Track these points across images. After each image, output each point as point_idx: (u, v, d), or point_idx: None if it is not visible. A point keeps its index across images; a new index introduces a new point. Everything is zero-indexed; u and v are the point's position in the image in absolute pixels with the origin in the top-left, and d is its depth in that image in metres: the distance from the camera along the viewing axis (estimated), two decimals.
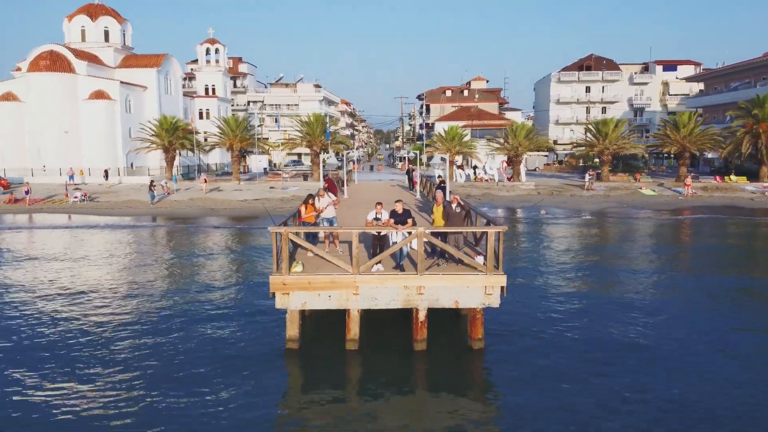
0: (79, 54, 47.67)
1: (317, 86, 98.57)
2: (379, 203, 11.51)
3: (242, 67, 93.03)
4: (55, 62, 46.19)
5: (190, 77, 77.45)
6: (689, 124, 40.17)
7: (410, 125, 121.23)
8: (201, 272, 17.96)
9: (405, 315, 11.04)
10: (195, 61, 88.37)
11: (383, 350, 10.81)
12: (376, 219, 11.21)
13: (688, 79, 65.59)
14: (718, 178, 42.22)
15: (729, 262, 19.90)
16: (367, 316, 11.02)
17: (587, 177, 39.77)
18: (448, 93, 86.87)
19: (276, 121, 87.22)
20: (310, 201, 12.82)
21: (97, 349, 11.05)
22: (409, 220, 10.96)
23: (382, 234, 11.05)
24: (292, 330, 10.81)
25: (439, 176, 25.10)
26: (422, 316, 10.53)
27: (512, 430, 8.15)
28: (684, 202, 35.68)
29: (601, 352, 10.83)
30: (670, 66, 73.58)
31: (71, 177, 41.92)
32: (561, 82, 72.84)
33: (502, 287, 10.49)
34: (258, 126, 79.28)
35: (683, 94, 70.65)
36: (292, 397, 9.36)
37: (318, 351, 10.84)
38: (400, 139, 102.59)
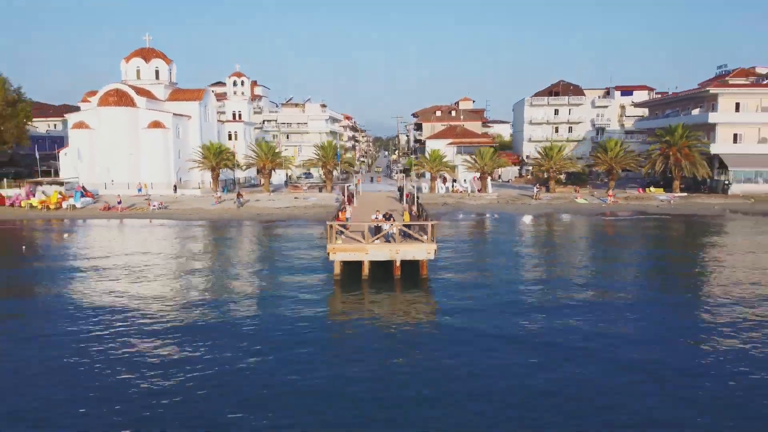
0: (139, 91, 60.02)
1: (323, 106, 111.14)
2: (377, 210, 23.82)
3: (258, 90, 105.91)
4: (120, 98, 58.53)
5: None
6: (615, 148, 52.67)
7: (406, 137, 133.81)
8: (286, 247, 30.40)
9: (389, 264, 23.26)
10: (216, 84, 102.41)
11: (379, 279, 23.01)
12: (376, 218, 23.52)
13: (636, 105, 78.28)
14: (640, 189, 54.60)
15: (605, 245, 32.25)
16: (372, 264, 23.22)
17: (535, 189, 52.23)
18: (438, 113, 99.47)
19: (288, 138, 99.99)
20: (342, 209, 25.14)
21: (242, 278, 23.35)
22: (392, 219, 23.27)
23: (378, 225, 23.35)
24: (337, 270, 23.01)
25: (407, 192, 37.22)
26: (398, 263, 22.74)
27: (441, 310, 20.37)
28: (605, 208, 47.97)
29: (481, 276, 23.12)
30: (626, 91, 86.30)
31: (139, 189, 54.20)
32: (533, 105, 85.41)
33: (435, 249, 22.75)
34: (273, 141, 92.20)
35: (638, 116, 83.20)
36: (337, 296, 21.53)
37: (349, 280, 23.02)
38: (396, 153, 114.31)
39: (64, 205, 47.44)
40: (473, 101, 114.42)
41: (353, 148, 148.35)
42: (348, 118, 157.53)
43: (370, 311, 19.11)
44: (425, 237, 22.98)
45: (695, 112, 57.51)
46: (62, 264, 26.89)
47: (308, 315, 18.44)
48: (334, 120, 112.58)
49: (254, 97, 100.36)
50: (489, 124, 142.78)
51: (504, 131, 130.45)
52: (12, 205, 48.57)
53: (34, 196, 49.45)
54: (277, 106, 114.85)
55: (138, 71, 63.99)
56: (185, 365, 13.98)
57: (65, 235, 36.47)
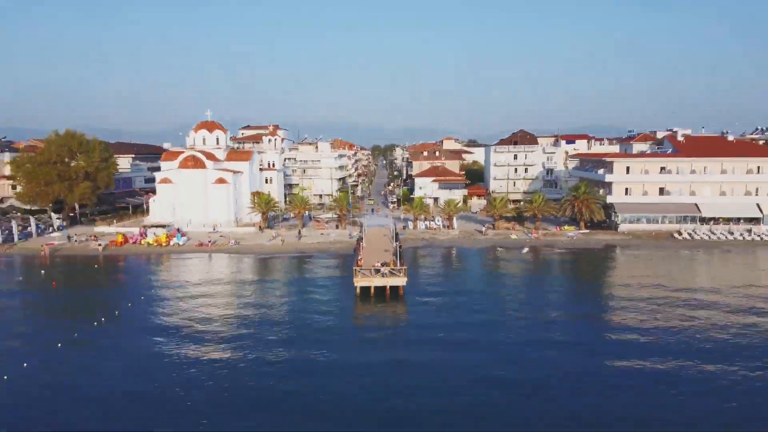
0: (207, 155, 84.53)
1: (332, 144, 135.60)
2: (377, 262, 48.40)
3: (279, 133, 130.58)
4: (195, 162, 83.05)
5: (241, 141, 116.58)
6: (539, 200, 77.31)
7: (402, 170, 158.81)
8: (325, 272, 54.85)
9: (384, 287, 47.67)
10: (246, 127, 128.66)
11: (378, 295, 47.45)
12: (377, 263, 48.19)
13: (571, 157, 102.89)
14: (558, 228, 79.13)
15: (518, 268, 56.87)
16: (375, 288, 47.64)
17: (484, 227, 76.84)
18: (425, 153, 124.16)
19: (304, 172, 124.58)
20: (357, 249, 49.80)
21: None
22: (385, 264, 47.88)
23: (378, 268, 47.98)
24: (357, 290, 47.50)
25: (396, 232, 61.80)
26: (388, 288, 47.31)
27: (408, 311, 44.91)
28: (529, 243, 72.39)
29: (449, 300, 47.66)
30: (570, 140, 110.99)
31: (214, 228, 78.67)
32: (497, 152, 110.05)
33: (406, 281, 47.25)
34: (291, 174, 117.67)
35: (575, 161, 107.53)
36: (358, 303, 45.95)
37: (363, 295, 47.40)
38: (392, 184, 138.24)
39: (171, 242, 71.85)
40: (455, 139, 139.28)
41: (355, 167, 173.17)
42: (351, 146, 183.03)
43: (374, 310, 43.60)
44: (401, 274, 47.50)
45: (600, 171, 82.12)
46: (188, 279, 51.40)
47: (342, 313, 42.93)
48: (341, 156, 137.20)
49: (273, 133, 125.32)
50: (470, 150, 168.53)
51: (480, 154, 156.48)
52: (134, 243, 72.91)
53: (146, 236, 73.87)
54: (293, 142, 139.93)
55: (204, 139, 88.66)
56: (270, 335, 38.43)
57: (189, 263, 60.98)
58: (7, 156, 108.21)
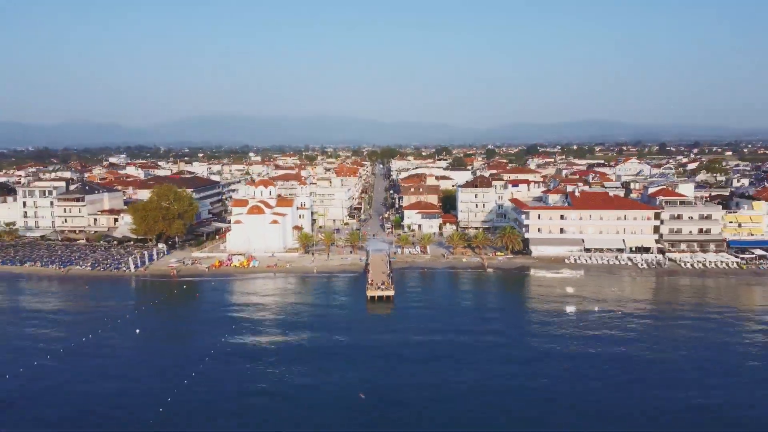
0: (265, 204, 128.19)
1: (341, 165, 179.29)
2: (379, 281, 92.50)
3: (303, 173, 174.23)
4: (258, 210, 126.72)
5: (280, 179, 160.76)
6: (480, 236, 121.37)
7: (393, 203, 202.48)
8: (347, 285, 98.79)
9: (382, 296, 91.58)
10: (277, 158, 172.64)
11: (381, 300, 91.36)
12: (380, 281, 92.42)
13: (510, 201, 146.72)
14: (493, 253, 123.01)
15: (464, 284, 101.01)
16: (379, 296, 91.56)
17: (446, 252, 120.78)
18: (412, 189, 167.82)
19: (321, 201, 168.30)
20: (367, 271, 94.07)
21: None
22: (384, 283, 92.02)
23: (379, 286, 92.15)
24: (368, 297, 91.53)
25: (388, 256, 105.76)
26: (385, 296, 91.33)
27: (395, 308, 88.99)
28: (480, 264, 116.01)
29: (419, 301, 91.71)
30: (515, 185, 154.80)
31: (272, 254, 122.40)
32: (463, 192, 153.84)
33: (393, 291, 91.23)
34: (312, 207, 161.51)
35: (533, 198, 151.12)
36: (369, 305, 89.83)
37: (372, 300, 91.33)
38: (388, 212, 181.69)
39: (250, 265, 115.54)
40: (435, 177, 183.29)
41: (359, 190, 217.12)
42: (355, 172, 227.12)
43: (377, 308, 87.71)
44: (392, 288, 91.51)
45: (522, 217, 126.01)
46: (267, 286, 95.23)
47: (359, 310, 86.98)
48: (348, 189, 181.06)
49: (304, 183, 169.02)
50: (451, 176, 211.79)
51: (462, 176, 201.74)
52: (225, 265, 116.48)
53: (232, 261, 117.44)
54: (312, 177, 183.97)
55: (261, 192, 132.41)
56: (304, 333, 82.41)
57: (265, 279, 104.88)
58: (106, 196, 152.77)
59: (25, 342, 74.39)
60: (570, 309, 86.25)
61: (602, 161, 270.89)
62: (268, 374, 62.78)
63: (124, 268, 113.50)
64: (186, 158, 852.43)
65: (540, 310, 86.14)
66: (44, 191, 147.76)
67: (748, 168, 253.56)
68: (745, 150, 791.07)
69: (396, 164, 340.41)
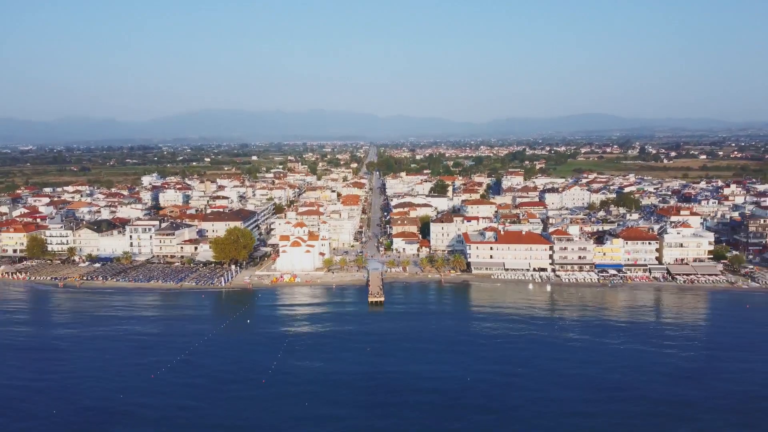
0: (301, 240, 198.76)
1: (350, 211, 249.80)
2: (375, 292, 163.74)
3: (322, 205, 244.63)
4: (297, 244, 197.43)
5: (303, 213, 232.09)
6: (440, 259, 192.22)
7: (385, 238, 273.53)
8: (356, 293, 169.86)
9: (376, 301, 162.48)
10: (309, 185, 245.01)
11: (377, 304, 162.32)
12: (376, 293, 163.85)
13: (463, 235, 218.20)
14: (449, 271, 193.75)
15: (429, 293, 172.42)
16: (377, 301, 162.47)
17: (418, 271, 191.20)
18: (399, 221, 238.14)
19: (335, 230, 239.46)
20: (367, 281, 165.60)
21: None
22: (379, 291, 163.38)
23: (375, 295, 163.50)
24: (369, 302, 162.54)
25: (381, 274, 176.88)
26: (380, 302, 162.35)
27: (386, 312, 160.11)
28: (438, 280, 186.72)
29: (400, 303, 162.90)
30: (469, 220, 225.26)
31: (306, 273, 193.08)
32: (434, 224, 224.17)
33: (384, 299, 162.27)
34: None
35: (478, 231, 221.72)
36: (370, 306, 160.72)
37: (371, 303, 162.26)
38: (382, 237, 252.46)
39: (295, 280, 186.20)
40: (416, 207, 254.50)
41: (360, 212, 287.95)
42: (356, 201, 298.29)
43: (374, 308, 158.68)
44: (383, 296, 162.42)
45: (467, 246, 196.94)
46: (305, 293, 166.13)
47: (363, 309, 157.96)
48: (353, 219, 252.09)
49: (324, 222, 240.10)
50: (430, 204, 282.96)
51: (440, 202, 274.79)
52: (280, 280, 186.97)
53: (283, 278, 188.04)
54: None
55: (297, 231, 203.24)
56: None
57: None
58: (187, 230, 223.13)
59: (200, 325, 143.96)
60: (491, 305, 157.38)
61: (556, 186, 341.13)
62: (306, 345, 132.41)
63: (217, 283, 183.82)
64: (194, 162, 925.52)
65: (476, 307, 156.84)
66: (145, 228, 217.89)
67: (669, 193, 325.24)
68: (720, 153, 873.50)
69: (390, 183, 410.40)
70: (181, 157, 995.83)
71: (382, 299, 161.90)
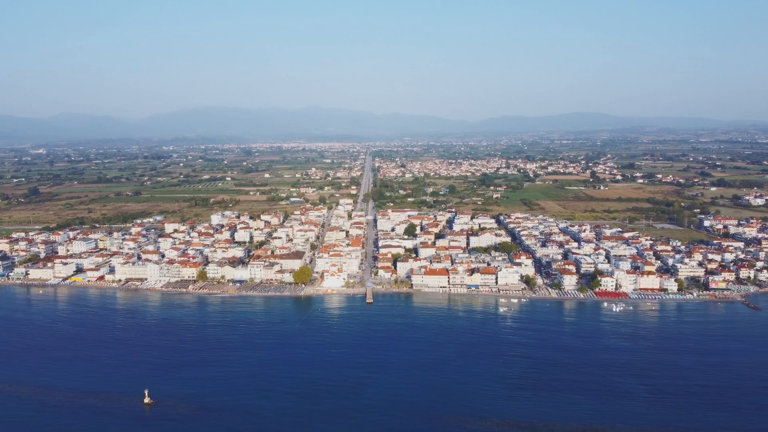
0: (331, 272, 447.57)
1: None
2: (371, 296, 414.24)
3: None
4: (333, 273, 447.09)
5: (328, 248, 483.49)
6: (406, 282, 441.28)
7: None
8: (359, 299, 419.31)
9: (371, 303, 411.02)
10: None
11: (370, 305, 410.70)
12: (371, 299, 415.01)
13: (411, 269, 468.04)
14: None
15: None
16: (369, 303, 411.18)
17: (399, 289, 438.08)
18: (381, 263, 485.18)
19: (343, 264, 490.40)
20: (366, 293, 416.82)
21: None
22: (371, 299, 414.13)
23: (369, 299, 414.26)
24: (367, 302, 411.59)
25: (373, 288, 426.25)
26: (371, 300, 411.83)
27: (375, 309, 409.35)
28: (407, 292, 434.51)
29: (384, 304, 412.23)
30: (417, 261, 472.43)
31: (338, 288, 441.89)
32: (400, 261, 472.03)
33: (373, 300, 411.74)
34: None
35: (419, 266, 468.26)
36: (369, 305, 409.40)
37: (368, 303, 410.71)
38: (373, 267, 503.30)
39: (333, 292, 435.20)
40: (393, 249, 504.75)
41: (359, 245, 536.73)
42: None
43: (370, 307, 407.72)
44: (372, 299, 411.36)
45: (413, 277, 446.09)
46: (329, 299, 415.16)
47: (363, 307, 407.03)
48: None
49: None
50: (402, 244, 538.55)
51: (410, 243, 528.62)
52: (324, 292, 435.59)
53: (327, 291, 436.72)
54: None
55: (333, 266, 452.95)
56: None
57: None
58: (276, 267, 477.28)
59: (303, 307, 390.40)
60: (423, 305, 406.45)
61: (499, 215, 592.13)
62: (342, 316, 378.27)
63: (299, 293, 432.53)
64: (219, 183, 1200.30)
65: (416, 305, 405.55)
66: (257, 265, 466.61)
67: (542, 235, 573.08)
68: (659, 175, 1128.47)
69: (380, 222, 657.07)
70: (190, 170, 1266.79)
71: (372, 301, 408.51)
